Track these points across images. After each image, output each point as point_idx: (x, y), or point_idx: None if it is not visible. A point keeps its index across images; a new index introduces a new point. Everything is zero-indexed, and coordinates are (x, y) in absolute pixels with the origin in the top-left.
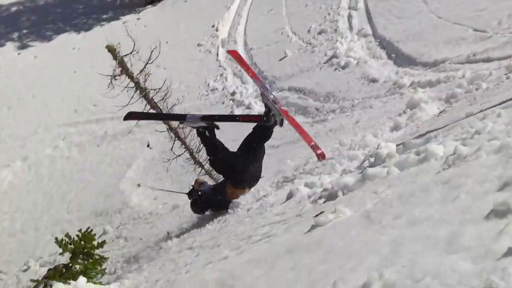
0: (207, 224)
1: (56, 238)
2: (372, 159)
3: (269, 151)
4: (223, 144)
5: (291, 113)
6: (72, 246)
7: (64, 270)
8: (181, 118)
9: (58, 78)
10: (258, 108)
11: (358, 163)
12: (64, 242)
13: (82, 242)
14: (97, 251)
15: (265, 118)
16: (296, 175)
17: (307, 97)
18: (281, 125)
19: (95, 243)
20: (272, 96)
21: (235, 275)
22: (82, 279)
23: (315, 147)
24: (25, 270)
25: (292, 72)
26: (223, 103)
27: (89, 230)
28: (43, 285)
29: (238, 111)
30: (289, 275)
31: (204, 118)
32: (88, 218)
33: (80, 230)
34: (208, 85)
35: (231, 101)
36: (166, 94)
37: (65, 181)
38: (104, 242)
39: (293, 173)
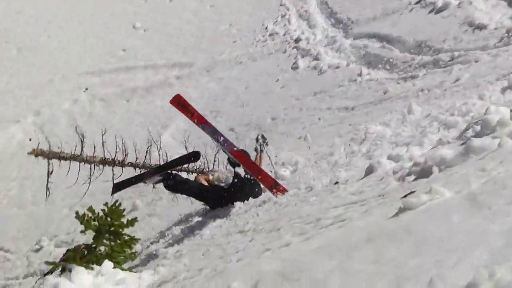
0: (262, 203)
1: (77, 213)
2: (478, 128)
3: (342, 113)
4: (203, 186)
5: (370, 67)
6: (96, 223)
7: (86, 252)
8: (142, 177)
9: (79, 15)
10: (329, 59)
11: (459, 132)
12: (86, 218)
13: (109, 219)
14: (126, 231)
15: (193, 157)
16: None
17: (392, 46)
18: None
19: (124, 220)
20: (222, 138)
21: (301, 266)
22: (107, 264)
23: (276, 192)
24: (36, 250)
25: (374, 15)
26: (284, 51)
27: (116, 204)
28: (60, 269)
29: (303, 62)
30: (370, 268)
31: (157, 169)
32: None
33: (106, 204)
34: (266, 28)
35: (294, 50)
36: (124, 154)
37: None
38: (135, 219)
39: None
